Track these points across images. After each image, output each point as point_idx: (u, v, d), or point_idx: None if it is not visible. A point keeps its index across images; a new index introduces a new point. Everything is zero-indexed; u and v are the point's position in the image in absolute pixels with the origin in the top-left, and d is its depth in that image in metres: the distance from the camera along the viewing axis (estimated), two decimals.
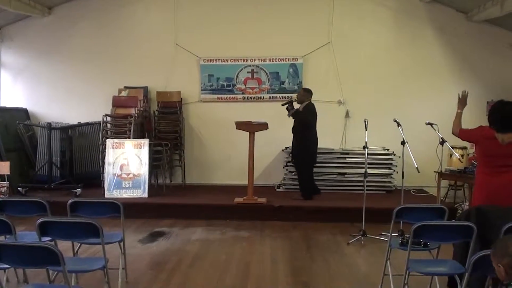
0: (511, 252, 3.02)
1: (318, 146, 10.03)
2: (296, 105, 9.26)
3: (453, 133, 5.60)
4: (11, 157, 9.73)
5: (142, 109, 10.40)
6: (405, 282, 4.38)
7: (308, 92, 9.38)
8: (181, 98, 10.74)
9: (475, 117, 9.95)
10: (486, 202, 5.02)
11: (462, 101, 5.70)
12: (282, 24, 10.71)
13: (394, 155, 9.89)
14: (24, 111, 10.99)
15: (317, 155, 9.88)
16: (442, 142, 6.96)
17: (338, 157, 10.27)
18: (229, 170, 10.76)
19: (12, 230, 4.18)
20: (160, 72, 10.81)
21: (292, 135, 9.30)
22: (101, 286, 4.69)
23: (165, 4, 10.81)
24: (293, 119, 9.19)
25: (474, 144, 5.48)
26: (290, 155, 9.66)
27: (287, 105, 9.20)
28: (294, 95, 9.80)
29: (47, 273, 4.08)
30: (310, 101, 9.23)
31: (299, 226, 8.15)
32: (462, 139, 5.61)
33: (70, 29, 10.97)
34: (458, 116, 5.63)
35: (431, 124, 7.17)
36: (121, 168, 9.30)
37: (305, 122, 9.03)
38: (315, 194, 9.33)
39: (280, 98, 10.63)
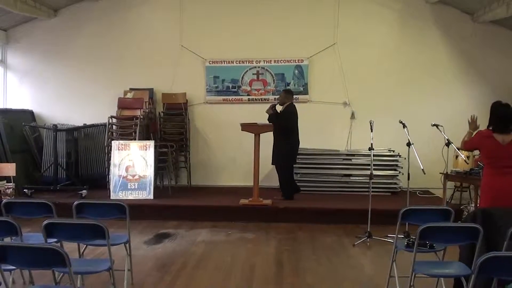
0: None
1: (323, 147, 10.11)
2: (278, 107, 9.32)
3: (461, 149, 6.14)
4: (17, 159, 9.75)
5: (147, 110, 10.43)
6: (411, 284, 4.37)
7: (290, 93, 9.44)
8: (187, 100, 10.76)
9: (481, 119, 9.97)
10: (492, 203, 5.10)
11: (473, 125, 5.93)
12: (288, 26, 10.72)
13: (400, 156, 9.87)
14: (30, 113, 11.03)
15: (323, 157, 10.03)
16: (448, 144, 6.95)
17: (344, 159, 10.25)
18: (235, 171, 10.77)
19: (18, 232, 4.18)
20: (166, 73, 10.83)
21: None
22: (107, 287, 4.69)
23: (171, 6, 10.84)
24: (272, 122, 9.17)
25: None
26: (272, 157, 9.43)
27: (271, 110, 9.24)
28: (274, 98, 9.88)
29: (53, 274, 4.08)
30: (291, 102, 9.28)
31: (304, 228, 8.14)
32: (467, 150, 6.04)
33: (75, 31, 11.01)
34: (468, 135, 5.85)
35: (436, 126, 7.16)
36: (126, 169, 9.31)
37: (290, 126, 9.05)
38: (296, 192, 9.32)
39: None
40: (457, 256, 4.71)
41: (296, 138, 9.17)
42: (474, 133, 5.84)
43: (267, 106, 9.33)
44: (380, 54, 10.70)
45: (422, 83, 10.60)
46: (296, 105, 9.19)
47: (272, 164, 9.48)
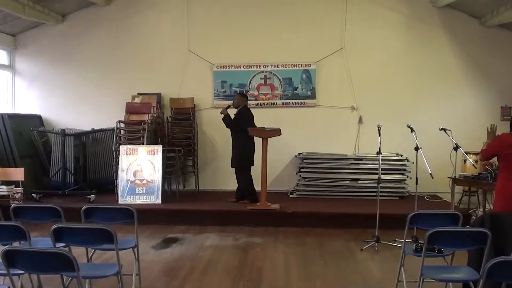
0: None
1: (331, 151, 10.10)
2: (233, 110, 9.36)
3: (480, 160, 6.33)
4: (25, 164, 9.80)
5: (155, 115, 10.45)
6: None
7: (244, 97, 9.53)
8: (194, 105, 10.78)
9: (489, 123, 9.94)
10: (506, 206, 5.08)
11: (492, 135, 6.00)
12: (295, 30, 10.72)
13: (408, 160, 9.85)
14: (38, 118, 11.09)
15: (331, 161, 10.07)
16: (456, 148, 6.92)
17: (352, 163, 10.23)
18: None
19: (26, 236, 4.20)
20: (173, 78, 10.86)
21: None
22: None
23: (178, 10, 10.86)
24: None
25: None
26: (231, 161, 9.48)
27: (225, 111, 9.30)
28: (230, 102, 9.79)
29: (62, 279, 4.09)
30: (245, 105, 9.33)
31: (312, 232, 8.13)
32: (487, 158, 5.75)
33: (83, 36, 11.06)
34: (486, 144, 5.89)
35: (444, 130, 7.16)
36: (134, 174, 9.33)
37: (242, 128, 9.02)
38: (253, 201, 9.23)
39: (293, 104, 10.68)
40: (465, 260, 4.70)
41: (251, 141, 9.17)
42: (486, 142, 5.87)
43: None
44: (388, 58, 10.67)
45: (430, 87, 10.57)
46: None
47: (231, 166, 9.47)
